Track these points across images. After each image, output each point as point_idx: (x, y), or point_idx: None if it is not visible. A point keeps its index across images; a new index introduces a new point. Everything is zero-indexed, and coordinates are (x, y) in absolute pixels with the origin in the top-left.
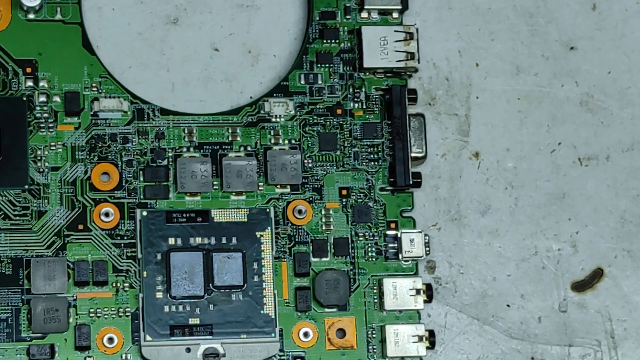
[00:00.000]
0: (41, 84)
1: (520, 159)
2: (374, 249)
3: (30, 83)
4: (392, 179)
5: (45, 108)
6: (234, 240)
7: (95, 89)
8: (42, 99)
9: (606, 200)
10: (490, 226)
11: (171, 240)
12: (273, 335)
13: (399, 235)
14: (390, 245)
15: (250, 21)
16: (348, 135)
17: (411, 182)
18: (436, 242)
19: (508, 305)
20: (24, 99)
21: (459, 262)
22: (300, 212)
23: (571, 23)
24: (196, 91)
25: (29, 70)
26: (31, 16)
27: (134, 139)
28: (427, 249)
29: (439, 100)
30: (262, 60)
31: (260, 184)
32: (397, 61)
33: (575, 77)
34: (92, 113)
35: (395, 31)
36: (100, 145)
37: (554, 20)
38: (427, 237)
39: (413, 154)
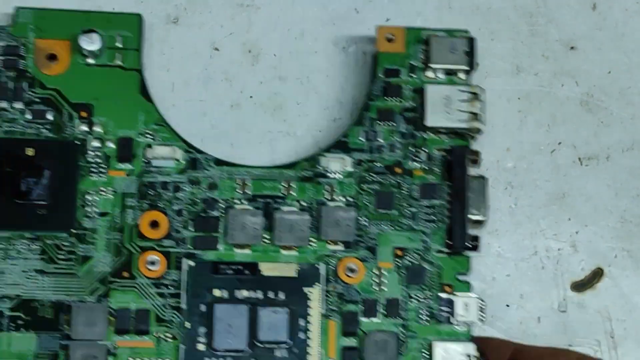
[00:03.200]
0: (96, 128)
1: (520, 159)
2: (426, 312)
3: (84, 127)
4: (449, 241)
5: (98, 153)
6: (282, 295)
7: (149, 136)
8: (96, 143)
9: (606, 200)
10: (490, 226)
11: (217, 292)
12: None
13: (453, 299)
14: (443, 308)
15: (250, 21)
16: (407, 195)
17: (469, 246)
18: None
19: (507, 305)
20: (77, 142)
21: None
22: (351, 270)
23: (571, 23)
24: (196, 91)
25: (84, 114)
26: (90, 61)
27: (185, 188)
28: (483, 314)
29: None
30: (262, 60)
31: (311, 239)
32: (460, 121)
33: (576, 77)
34: (145, 160)
35: (459, 90)
36: (151, 192)
37: (554, 20)
38: (483, 303)
39: (472, 217)
